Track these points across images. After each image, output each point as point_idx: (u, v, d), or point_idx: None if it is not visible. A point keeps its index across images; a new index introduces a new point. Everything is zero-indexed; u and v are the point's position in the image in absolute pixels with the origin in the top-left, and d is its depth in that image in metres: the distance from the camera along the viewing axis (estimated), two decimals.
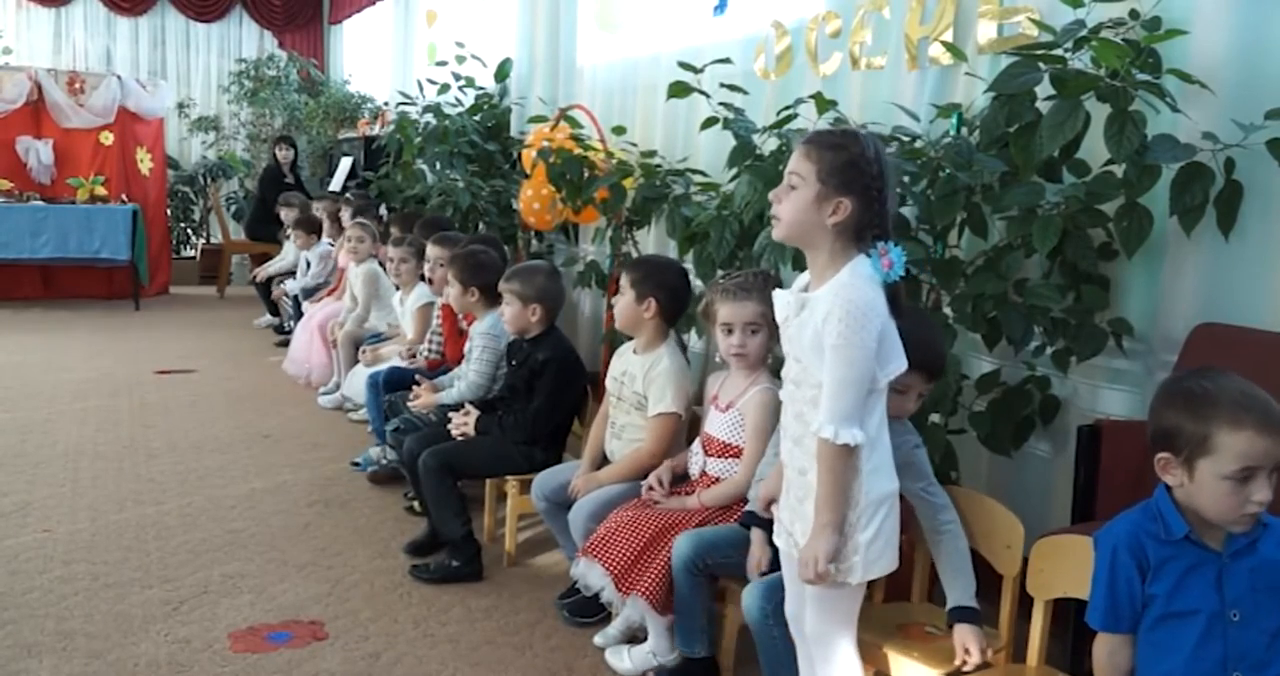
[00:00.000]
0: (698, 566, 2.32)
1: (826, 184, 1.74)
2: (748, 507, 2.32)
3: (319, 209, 7.09)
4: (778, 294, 1.91)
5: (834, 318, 1.71)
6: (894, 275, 1.76)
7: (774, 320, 2.43)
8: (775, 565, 2.14)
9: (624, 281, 2.85)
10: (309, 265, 6.83)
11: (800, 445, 1.84)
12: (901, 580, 2.16)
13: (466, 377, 3.53)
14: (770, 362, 2.53)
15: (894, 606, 2.23)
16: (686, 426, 2.86)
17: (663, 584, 2.40)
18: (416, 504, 3.54)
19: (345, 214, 6.47)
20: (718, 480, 2.54)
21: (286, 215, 7.58)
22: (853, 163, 1.74)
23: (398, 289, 4.89)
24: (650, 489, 2.62)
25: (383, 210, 6.80)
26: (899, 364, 1.78)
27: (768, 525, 2.12)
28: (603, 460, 2.92)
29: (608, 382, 2.96)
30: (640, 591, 2.41)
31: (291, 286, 6.84)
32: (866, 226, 1.76)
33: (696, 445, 2.64)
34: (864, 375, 1.73)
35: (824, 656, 1.89)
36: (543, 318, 3.21)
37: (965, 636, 1.95)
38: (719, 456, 2.54)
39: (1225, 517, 1.47)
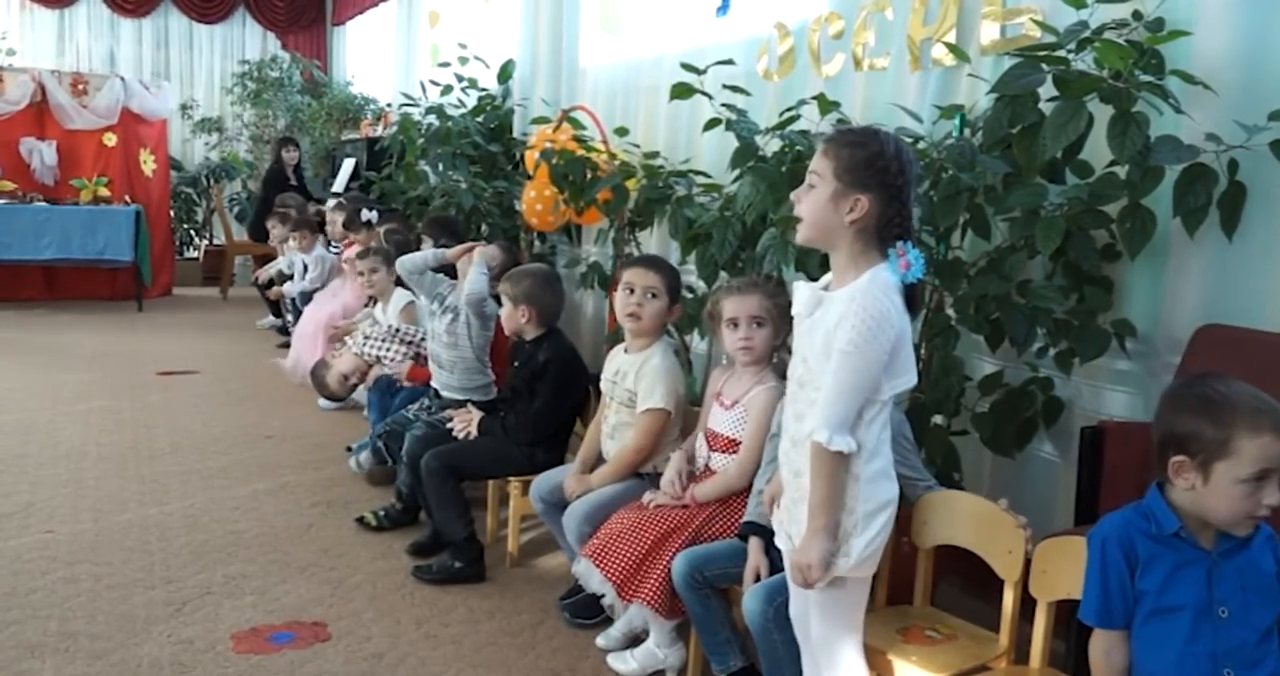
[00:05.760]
0: (696, 580, 2.31)
1: (843, 181, 1.72)
2: (747, 518, 2.32)
3: (317, 210, 7.06)
4: (798, 285, 1.88)
5: (847, 323, 1.69)
6: (911, 277, 1.73)
7: (778, 317, 2.45)
8: (775, 569, 2.14)
9: (649, 283, 2.79)
10: (305, 268, 6.80)
11: (798, 447, 1.83)
12: (903, 583, 2.16)
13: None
14: (775, 362, 2.52)
15: (895, 610, 2.22)
16: (678, 426, 2.85)
17: (665, 589, 2.39)
18: (370, 516, 3.51)
19: (334, 224, 6.40)
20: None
21: (278, 226, 7.24)
22: (870, 160, 1.72)
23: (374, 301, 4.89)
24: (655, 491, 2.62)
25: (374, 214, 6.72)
26: (909, 379, 1.76)
27: (767, 533, 2.12)
28: (598, 461, 2.92)
29: (602, 384, 2.96)
30: (643, 598, 2.41)
31: (290, 289, 6.82)
32: (887, 226, 1.74)
33: (702, 439, 2.63)
34: (865, 385, 1.72)
35: (829, 660, 1.88)
36: (535, 320, 3.19)
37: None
38: (723, 452, 2.54)
39: (1233, 520, 1.49)
